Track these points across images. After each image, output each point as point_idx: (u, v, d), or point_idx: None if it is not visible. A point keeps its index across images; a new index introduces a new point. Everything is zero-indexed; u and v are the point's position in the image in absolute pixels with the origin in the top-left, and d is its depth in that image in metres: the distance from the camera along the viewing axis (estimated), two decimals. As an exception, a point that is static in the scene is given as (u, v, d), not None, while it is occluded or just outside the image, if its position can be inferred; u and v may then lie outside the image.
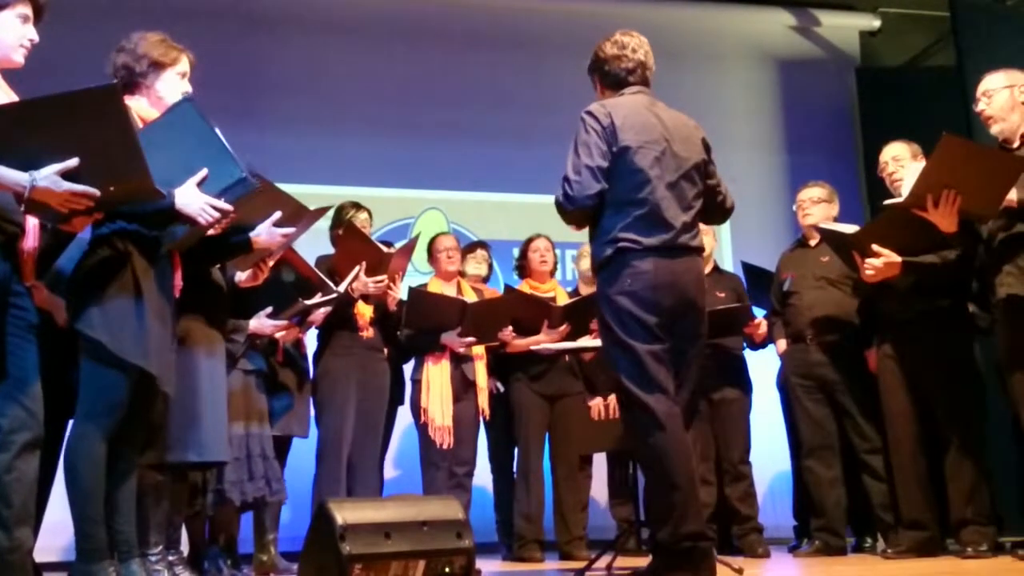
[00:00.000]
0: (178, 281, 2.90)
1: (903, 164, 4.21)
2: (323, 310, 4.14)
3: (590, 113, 3.11)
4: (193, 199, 2.65)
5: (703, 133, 3.25)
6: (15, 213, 2.46)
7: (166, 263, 2.82)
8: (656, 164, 3.06)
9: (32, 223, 2.56)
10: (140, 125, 2.79)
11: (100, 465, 2.64)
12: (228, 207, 2.70)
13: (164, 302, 2.77)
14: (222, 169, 2.69)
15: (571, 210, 3.09)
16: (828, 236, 4.29)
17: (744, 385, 4.89)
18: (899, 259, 3.92)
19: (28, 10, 2.58)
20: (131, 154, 2.40)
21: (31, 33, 2.60)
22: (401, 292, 4.61)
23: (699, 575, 2.90)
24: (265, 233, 3.01)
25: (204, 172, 2.67)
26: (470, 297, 4.80)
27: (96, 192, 2.38)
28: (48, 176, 2.32)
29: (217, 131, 2.71)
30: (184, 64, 2.96)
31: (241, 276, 3.49)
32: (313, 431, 4.38)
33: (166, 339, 2.76)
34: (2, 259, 2.42)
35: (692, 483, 2.95)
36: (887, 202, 3.98)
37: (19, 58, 2.59)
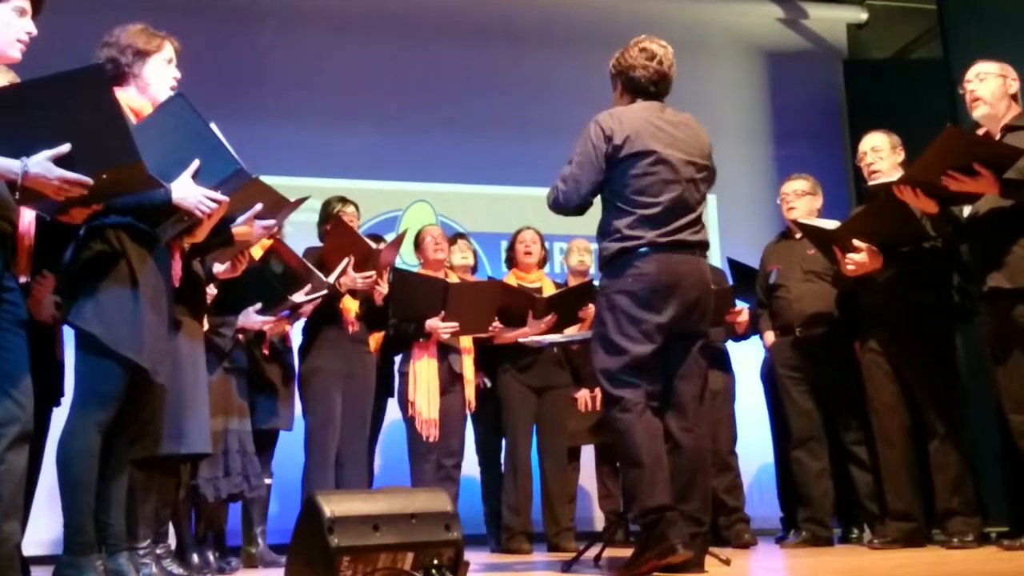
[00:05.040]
0: (177, 271, 2.90)
1: (882, 155, 4.22)
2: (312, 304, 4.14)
3: (597, 123, 3.19)
4: (190, 192, 2.66)
5: (708, 142, 3.30)
6: (6, 208, 2.45)
7: (164, 253, 2.82)
8: (662, 168, 3.14)
9: (28, 218, 2.54)
10: (133, 119, 2.78)
11: (94, 458, 2.64)
12: (224, 198, 2.70)
13: (161, 293, 2.76)
14: (218, 162, 2.70)
15: (557, 211, 3.29)
16: (807, 231, 4.29)
17: (727, 376, 4.90)
18: (879, 253, 3.94)
19: (25, 3, 2.55)
20: (121, 137, 2.37)
21: (28, 27, 2.55)
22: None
23: (670, 544, 2.91)
24: (245, 225, 3.00)
25: (196, 163, 2.67)
26: (456, 286, 4.77)
27: (88, 180, 2.35)
28: (40, 162, 2.29)
29: (212, 125, 2.71)
30: (168, 50, 2.94)
31: (219, 268, 3.49)
32: (298, 424, 4.37)
33: (162, 330, 2.76)
34: None
35: (658, 461, 3.03)
36: (872, 182, 4.00)
37: (15, 53, 2.55)
